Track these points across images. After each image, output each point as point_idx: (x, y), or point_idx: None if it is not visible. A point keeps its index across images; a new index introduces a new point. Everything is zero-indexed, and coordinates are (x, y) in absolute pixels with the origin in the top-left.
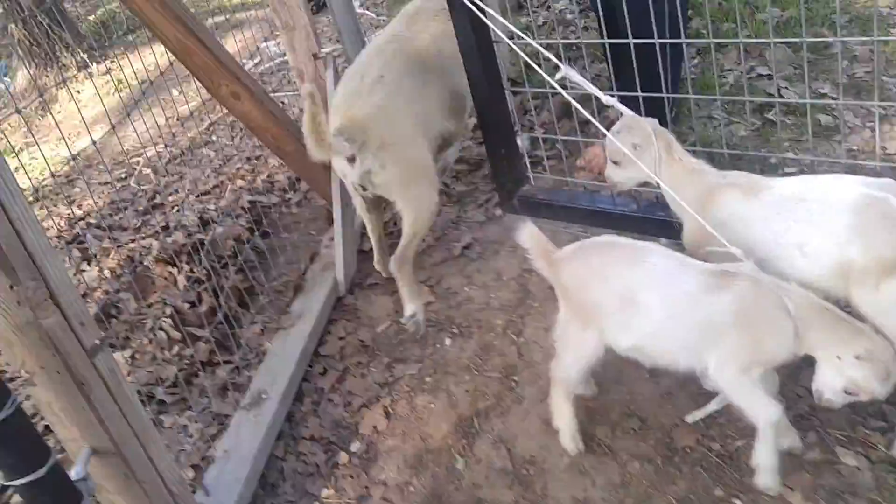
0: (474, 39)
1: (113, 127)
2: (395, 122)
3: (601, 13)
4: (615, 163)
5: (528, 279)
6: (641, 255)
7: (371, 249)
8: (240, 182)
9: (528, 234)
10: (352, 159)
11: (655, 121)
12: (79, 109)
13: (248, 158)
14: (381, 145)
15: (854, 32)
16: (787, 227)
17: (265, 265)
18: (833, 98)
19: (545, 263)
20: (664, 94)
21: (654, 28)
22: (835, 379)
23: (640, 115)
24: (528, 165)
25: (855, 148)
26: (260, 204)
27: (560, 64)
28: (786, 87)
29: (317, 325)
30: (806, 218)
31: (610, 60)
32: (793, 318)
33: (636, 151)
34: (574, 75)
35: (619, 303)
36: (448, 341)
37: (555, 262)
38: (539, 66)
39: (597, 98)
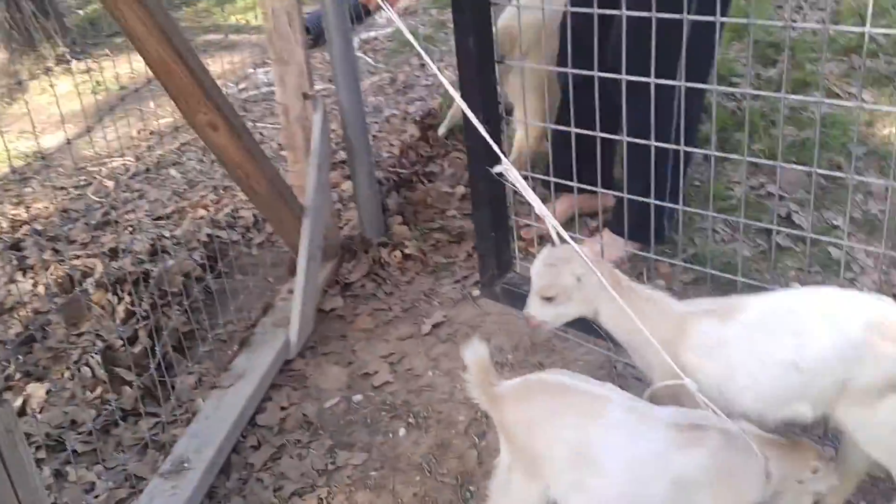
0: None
1: (89, 129)
2: None
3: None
4: (547, 299)
5: (500, 373)
6: (599, 405)
7: (332, 311)
8: (201, 211)
9: (473, 355)
10: None
11: (587, 249)
12: (58, 104)
13: (215, 187)
14: None
15: (871, 166)
16: (778, 343)
17: (212, 309)
18: (841, 232)
19: (485, 396)
20: (651, 201)
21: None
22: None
23: (631, 218)
24: (517, 251)
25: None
26: (219, 239)
27: (502, 156)
28: (796, 212)
29: (258, 389)
30: (801, 331)
31: (600, 156)
32: (761, 459)
33: (579, 284)
34: (512, 174)
35: (573, 459)
36: (402, 431)
37: (496, 396)
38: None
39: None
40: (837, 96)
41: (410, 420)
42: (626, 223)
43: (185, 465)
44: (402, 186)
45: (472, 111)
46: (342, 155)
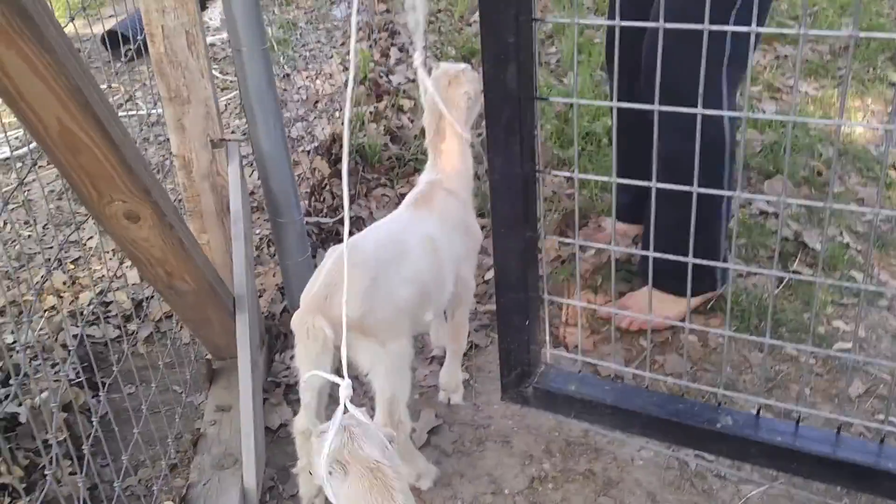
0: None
1: None
2: None
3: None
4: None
5: (540, 493)
6: None
7: (282, 427)
8: (50, 298)
9: None
10: None
11: None
12: None
13: (60, 261)
14: None
15: (847, 169)
16: None
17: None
18: (854, 252)
19: None
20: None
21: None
22: None
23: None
24: (548, 342)
25: None
26: (91, 339)
27: None
28: (805, 231)
29: None
30: None
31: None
32: None
33: None
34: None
35: None
36: None
37: None
38: None
39: None
40: (779, 90)
41: None
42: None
43: None
44: (327, 241)
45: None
46: None
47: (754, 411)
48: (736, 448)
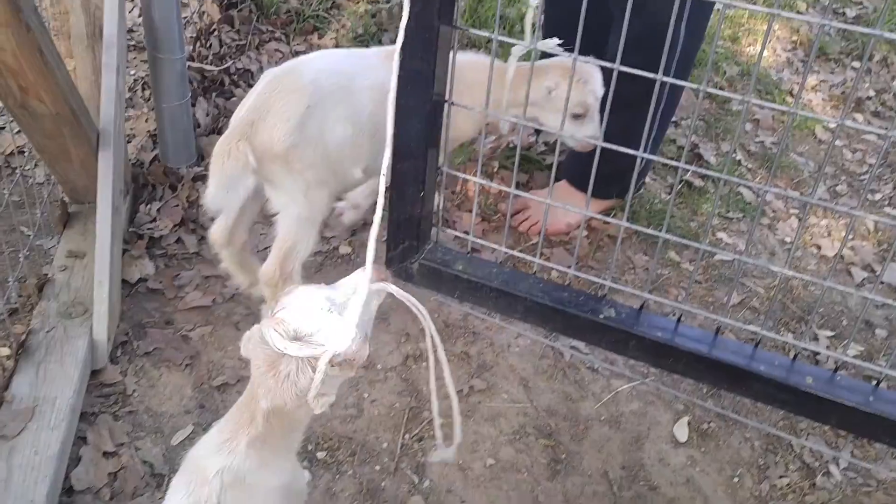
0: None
1: None
2: None
3: None
4: None
5: (414, 370)
6: None
7: (141, 282)
8: None
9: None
10: None
11: None
12: None
13: None
14: None
15: (745, 86)
16: None
17: None
18: (744, 170)
19: None
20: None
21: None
22: None
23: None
24: (440, 219)
25: (787, 240)
26: None
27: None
28: (701, 143)
29: (67, 432)
30: None
31: None
32: None
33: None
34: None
35: None
36: (306, 475)
37: None
38: None
39: None
40: None
41: (316, 455)
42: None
43: None
44: (209, 91)
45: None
46: None
47: (637, 306)
48: (616, 340)
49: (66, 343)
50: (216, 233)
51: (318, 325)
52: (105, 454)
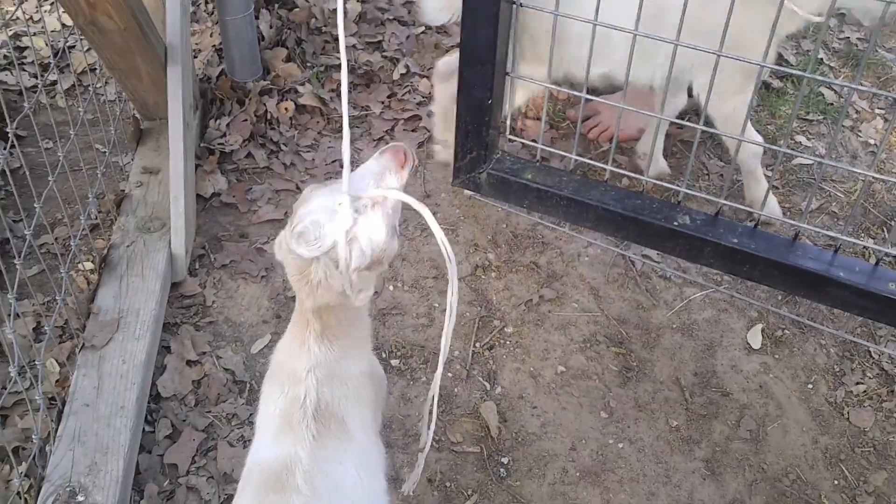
0: None
1: None
2: None
3: None
4: None
5: (483, 280)
6: None
7: (215, 196)
8: None
9: None
10: None
11: None
12: None
13: None
14: None
15: None
16: None
17: (12, 203)
18: (826, 68)
19: None
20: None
21: None
22: None
23: None
24: (508, 127)
25: (871, 142)
26: (3, 87)
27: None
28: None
29: (151, 342)
30: None
31: None
32: None
33: None
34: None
35: None
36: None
37: None
38: None
39: None
40: None
41: (391, 362)
42: None
43: (80, 498)
44: (272, 2)
45: None
46: None
47: (713, 213)
48: (690, 247)
49: (146, 257)
50: (443, 64)
51: (330, 223)
52: (188, 363)
